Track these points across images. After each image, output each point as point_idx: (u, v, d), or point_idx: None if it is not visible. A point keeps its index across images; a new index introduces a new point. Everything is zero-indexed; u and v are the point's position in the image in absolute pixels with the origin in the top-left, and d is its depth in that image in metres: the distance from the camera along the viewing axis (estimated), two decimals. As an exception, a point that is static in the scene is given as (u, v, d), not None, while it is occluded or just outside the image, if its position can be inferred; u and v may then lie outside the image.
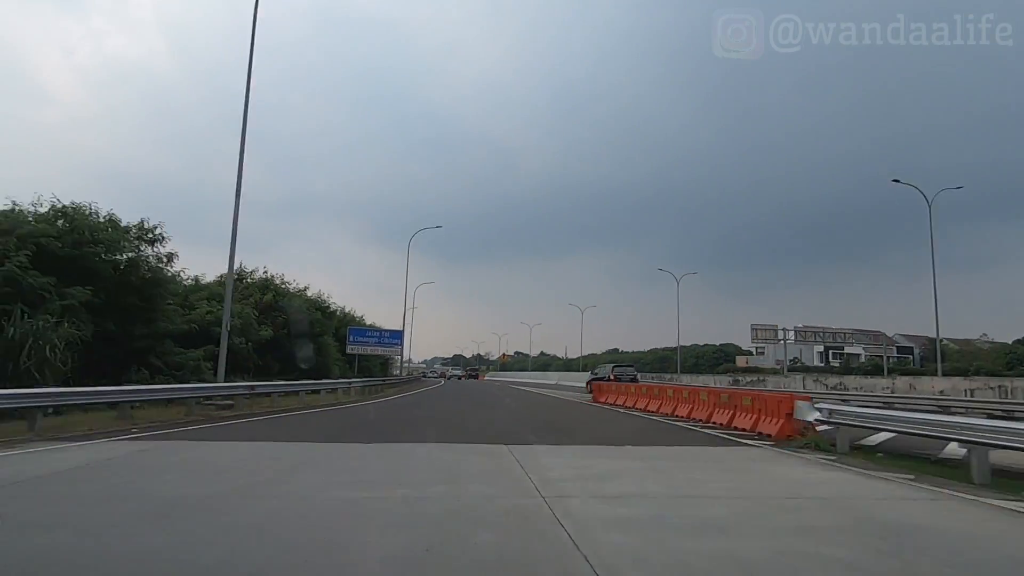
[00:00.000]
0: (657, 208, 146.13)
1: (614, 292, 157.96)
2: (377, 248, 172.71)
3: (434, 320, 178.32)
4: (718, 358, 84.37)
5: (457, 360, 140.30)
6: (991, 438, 6.56)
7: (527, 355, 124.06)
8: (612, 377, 32.47)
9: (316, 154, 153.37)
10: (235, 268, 19.60)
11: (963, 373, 32.81)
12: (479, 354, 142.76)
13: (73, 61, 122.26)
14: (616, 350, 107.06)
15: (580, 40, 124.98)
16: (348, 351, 36.26)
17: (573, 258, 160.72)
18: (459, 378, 76.55)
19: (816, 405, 10.22)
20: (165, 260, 18.92)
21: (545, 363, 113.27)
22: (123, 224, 17.80)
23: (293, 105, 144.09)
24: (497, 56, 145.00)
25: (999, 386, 22.18)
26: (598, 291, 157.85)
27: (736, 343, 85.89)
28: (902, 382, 27.71)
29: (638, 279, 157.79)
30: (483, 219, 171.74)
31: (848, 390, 28.11)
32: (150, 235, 18.40)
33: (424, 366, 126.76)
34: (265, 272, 31.79)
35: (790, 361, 62.79)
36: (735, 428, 11.60)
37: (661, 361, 78.21)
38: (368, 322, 45.72)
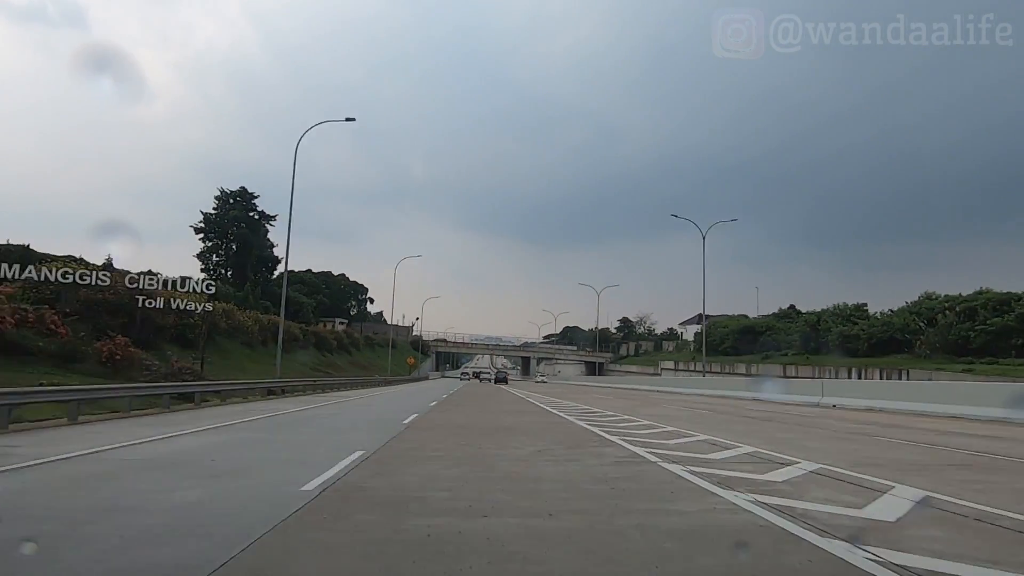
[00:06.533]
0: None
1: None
2: (467, 234, 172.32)
3: (524, 300, 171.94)
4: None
5: (572, 335, 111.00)
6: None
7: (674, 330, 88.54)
8: None
9: (412, 139, 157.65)
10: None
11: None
12: (629, 319, 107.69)
13: (170, 55, 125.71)
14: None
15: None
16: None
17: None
18: None
19: None
20: None
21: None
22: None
23: (390, 96, 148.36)
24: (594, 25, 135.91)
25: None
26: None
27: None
28: None
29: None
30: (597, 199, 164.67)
31: None
32: None
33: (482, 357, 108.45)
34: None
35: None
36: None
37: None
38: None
